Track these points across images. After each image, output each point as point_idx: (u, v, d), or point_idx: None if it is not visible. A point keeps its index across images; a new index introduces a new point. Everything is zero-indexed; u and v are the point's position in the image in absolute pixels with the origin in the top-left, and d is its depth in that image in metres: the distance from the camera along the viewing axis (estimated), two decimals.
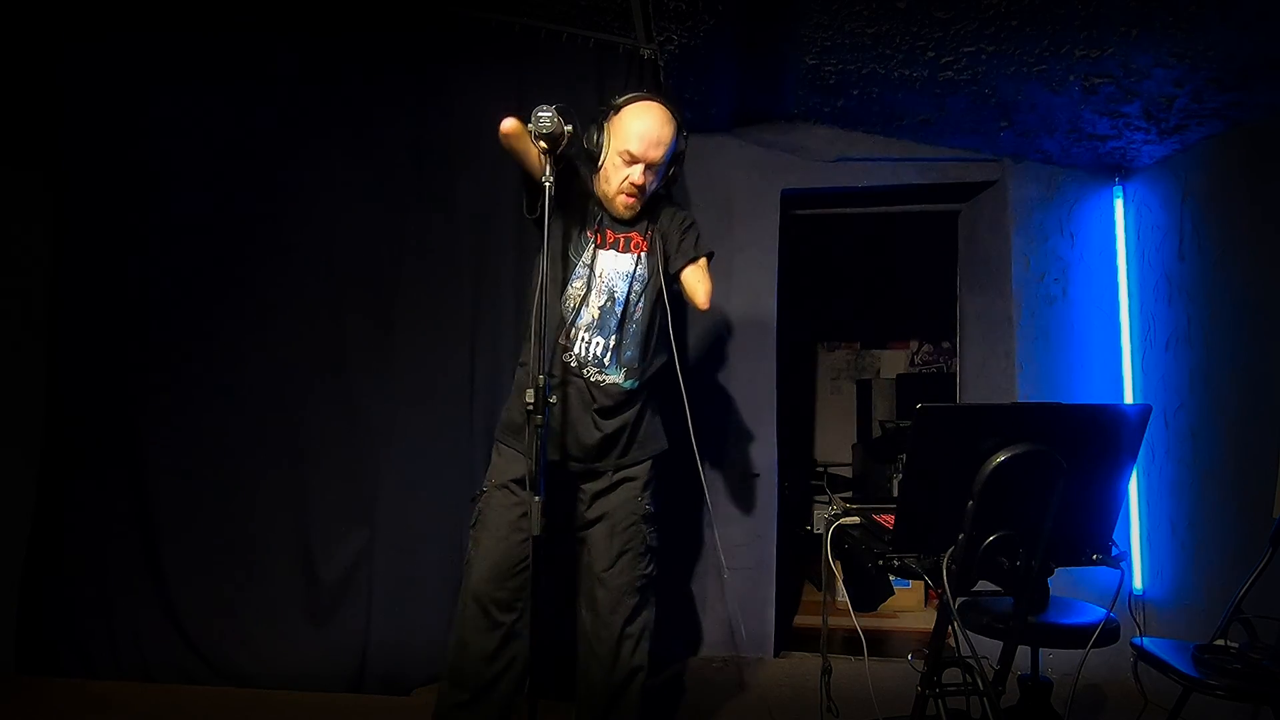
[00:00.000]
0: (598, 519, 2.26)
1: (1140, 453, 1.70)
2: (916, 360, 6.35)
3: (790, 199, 3.62)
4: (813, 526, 5.00)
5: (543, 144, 1.97)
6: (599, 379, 2.18)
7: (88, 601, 3.13)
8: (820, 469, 5.89)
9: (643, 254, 2.24)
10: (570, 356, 2.18)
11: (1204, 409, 2.91)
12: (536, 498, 1.99)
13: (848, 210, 3.87)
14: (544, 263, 2.02)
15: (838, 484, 5.65)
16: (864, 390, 6.05)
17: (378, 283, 3.24)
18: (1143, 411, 1.65)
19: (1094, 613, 2.38)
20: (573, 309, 2.20)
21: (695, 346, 3.54)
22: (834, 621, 3.88)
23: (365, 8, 3.25)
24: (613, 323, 2.19)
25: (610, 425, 2.21)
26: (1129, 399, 3.29)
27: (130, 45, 3.24)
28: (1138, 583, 3.20)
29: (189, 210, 3.26)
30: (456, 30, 3.24)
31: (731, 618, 3.45)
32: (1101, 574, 1.78)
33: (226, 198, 3.27)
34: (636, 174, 2.15)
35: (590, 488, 2.26)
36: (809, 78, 3.10)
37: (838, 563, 1.84)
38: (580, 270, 2.21)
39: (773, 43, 2.89)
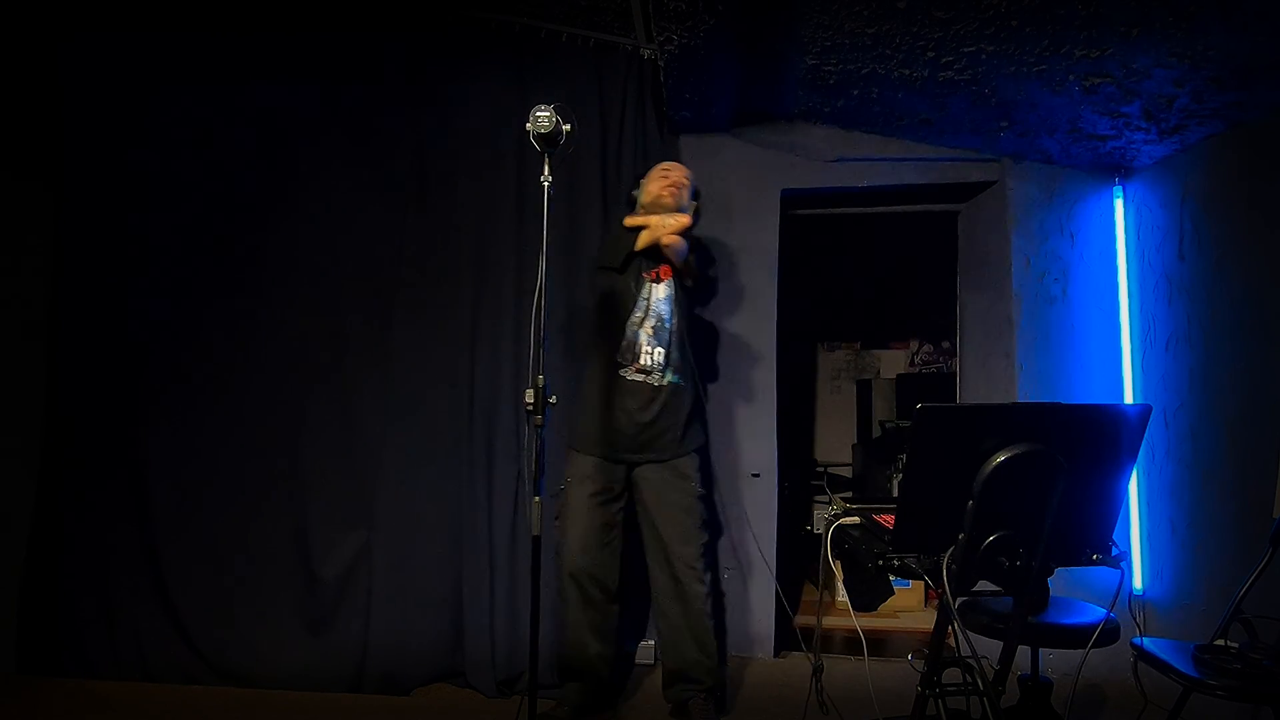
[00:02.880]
0: (656, 516, 2.76)
1: (1140, 453, 1.70)
2: (916, 360, 6.35)
3: (790, 199, 3.62)
4: (813, 526, 5.00)
5: (541, 143, 2.00)
6: (661, 380, 2.73)
7: (88, 601, 3.14)
8: (820, 469, 5.88)
9: (669, 279, 2.81)
10: (633, 372, 2.72)
11: (1204, 409, 2.91)
12: (536, 498, 2.00)
13: (848, 210, 3.87)
14: (543, 262, 2.04)
15: (838, 484, 5.64)
16: (864, 390, 6.05)
17: (378, 283, 3.24)
18: (1143, 411, 1.65)
19: (1094, 613, 2.38)
20: (634, 334, 2.75)
21: (695, 346, 3.53)
22: (834, 622, 3.88)
23: (365, 8, 3.25)
24: (663, 337, 2.76)
25: (663, 419, 2.74)
26: (1129, 399, 3.28)
27: (130, 46, 3.24)
28: (1138, 583, 3.20)
29: (188, 211, 3.26)
30: (456, 30, 3.24)
31: (731, 618, 3.45)
32: (1101, 574, 1.78)
33: (227, 200, 3.27)
34: (666, 182, 2.81)
35: (643, 474, 2.77)
36: (809, 78, 3.10)
37: (838, 563, 1.84)
38: (640, 303, 2.77)
39: (773, 43, 2.89)
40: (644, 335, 2.74)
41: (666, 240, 2.69)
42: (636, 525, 2.85)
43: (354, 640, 3.09)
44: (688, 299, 2.88)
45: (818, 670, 1.96)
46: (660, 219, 2.73)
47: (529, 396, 2.03)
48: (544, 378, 2.06)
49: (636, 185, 2.90)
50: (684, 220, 2.74)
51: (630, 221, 2.79)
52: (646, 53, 3.19)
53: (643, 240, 2.72)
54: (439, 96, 3.26)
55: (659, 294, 2.79)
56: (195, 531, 3.17)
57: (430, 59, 3.26)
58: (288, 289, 3.25)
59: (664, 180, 2.81)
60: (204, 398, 3.22)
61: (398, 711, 2.93)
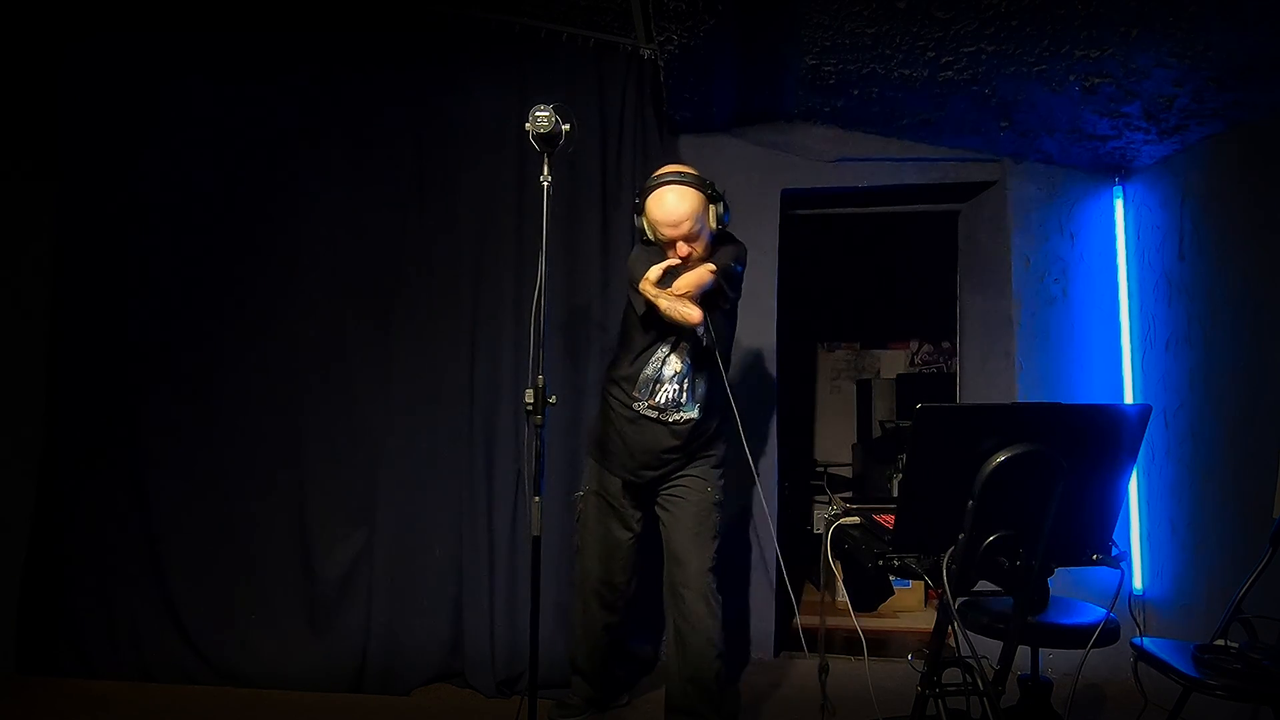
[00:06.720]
0: (672, 513, 2.60)
1: (1140, 453, 1.70)
2: (916, 360, 6.35)
3: (790, 199, 3.61)
4: (813, 526, 5.00)
5: (541, 143, 2.00)
6: (677, 417, 2.51)
7: (88, 602, 3.14)
8: (820, 469, 5.88)
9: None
10: (646, 407, 2.51)
11: (1204, 409, 2.91)
12: (536, 498, 2.00)
13: (848, 210, 3.86)
14: (542, 262, 2.05)
15: (838, 484, 5.64)
16: (864, 390, 6.04)
17: (378, 284, 3.24)
18: (1143, 411, 1.65)
19: (1094, 613, 2.38)
20: (656, 370, 2.51)
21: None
22: (834, 622, 3.88)
23: (365, 8, 3.25)
24: (686, 372, 2.51)
25: (673, 450, 2.55)
26: (1129, 399, 3.28)
27: (130, 46, 3.24)
28: (1138, 583, 3.20)
29: (188, 210, 3.26)
30: (457, 30, 3.24)
31: (731, 618, 3.44)
32: (1101, 574, 1.78)
33: (226, 199, 3.27)
34: (680, 251, 2.38)
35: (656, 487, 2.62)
36: (809, 78, 3.10)
37: (838, 563, 1.84)
38: (666, 342, 2.50)
39: (773, 43, 2.89)
40: (668, 370, 2.50)
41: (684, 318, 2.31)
42: (657, 527, 2.74)
43: (354, 640, 3.09)
44: (725, 316, 2.54)
45: (824, 670, 1.95)
46: (670, 301, 2.30)
47: (529, 396, 2.03)
48: (544, 378, 2.06)
49: (639, 197, 2.44)
50: (703, 277, 2.33)
51: (645, 288, 2.35)
52: (646, 53, 3.19)
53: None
54: (439, 96, 3.25)
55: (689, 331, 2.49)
56: (195, 531, 3.17)
57: (430, 59, 3.25)
58: (288, 287, 3.25)
59: (676, 253, 2.39)
60: (204, 397, 3.22)
61: (398, 711, 2.93)
